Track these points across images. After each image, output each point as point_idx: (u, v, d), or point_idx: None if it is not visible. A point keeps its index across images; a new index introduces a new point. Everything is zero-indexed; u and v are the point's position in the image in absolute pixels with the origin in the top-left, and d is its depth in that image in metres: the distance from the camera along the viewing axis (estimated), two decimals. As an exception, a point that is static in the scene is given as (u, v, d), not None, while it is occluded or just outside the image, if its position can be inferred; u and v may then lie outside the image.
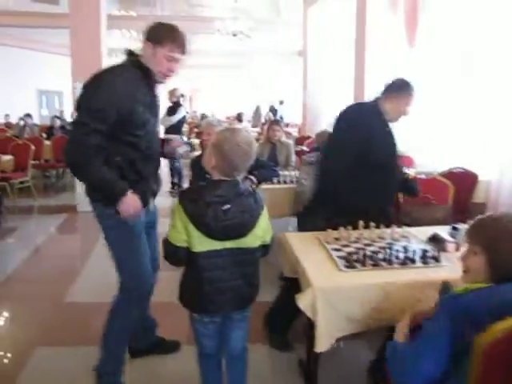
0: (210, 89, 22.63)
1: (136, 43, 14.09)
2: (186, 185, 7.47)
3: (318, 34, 9.17)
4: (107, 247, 2.28)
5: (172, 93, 7.27)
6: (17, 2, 10.39)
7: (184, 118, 7.69)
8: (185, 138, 7.53)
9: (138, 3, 10.78)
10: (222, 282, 1.89)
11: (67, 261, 4.51)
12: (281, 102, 15.86)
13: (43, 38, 14.30)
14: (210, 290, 1.88)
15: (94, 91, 2.05)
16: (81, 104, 2.07)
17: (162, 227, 2.36)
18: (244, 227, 1.85)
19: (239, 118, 11.04)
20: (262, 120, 12.56)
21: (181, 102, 7.42)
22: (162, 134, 7.32)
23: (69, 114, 13.46)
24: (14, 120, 13.09)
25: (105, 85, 2.05)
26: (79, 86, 5.85)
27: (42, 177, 8.62)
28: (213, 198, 1.81)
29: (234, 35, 9.17)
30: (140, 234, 2.28)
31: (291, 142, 5.74)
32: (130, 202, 2.10)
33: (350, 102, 7.74)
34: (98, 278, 3.99)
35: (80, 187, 6.16)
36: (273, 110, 13.86)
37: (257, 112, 13.51)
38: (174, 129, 7.27)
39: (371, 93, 6.64)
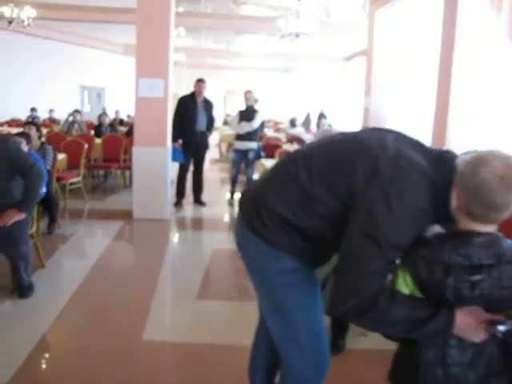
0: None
1: (182, 40, 13.84)
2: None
3: (386, 36, 8.57)
4: (266, 307, 1.79)
5: (247, 95, 6.69)
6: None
7: (263, 123, 7.13)
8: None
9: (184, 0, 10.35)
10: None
11: (135, 282, 3.97)
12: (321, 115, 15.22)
13: (86, 32, 14.02)
14: None
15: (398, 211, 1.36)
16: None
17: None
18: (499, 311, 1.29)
19: (293, 123, 10.48)
20: (313, 127, 11.97)
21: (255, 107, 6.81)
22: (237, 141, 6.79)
23: (112, 110, 13.14)
24: (57, 116, 12.79)
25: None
26: (143, 84, 5.46)
27: (91, 177, 8.17)
28: (456, 258, 1.22)
29: (297, 36, 8.59)
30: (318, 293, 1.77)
31: None
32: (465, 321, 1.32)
33: (429, 110, 7.27)
34: (173, 304, 3.46)
35: (137, 191, 5.68)
36: (323, 116, 13.21)
37: (307, 118, 12.92)
38: (252, 136, 6.71)
39: (457, 103, 6.20)
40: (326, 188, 1.53)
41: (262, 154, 6.82)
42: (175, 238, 5.43)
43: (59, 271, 4.15)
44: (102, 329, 3.08)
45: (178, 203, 6.59)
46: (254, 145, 6.69)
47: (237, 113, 6.75)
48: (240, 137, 6.67)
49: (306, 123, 12.18)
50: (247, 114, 6.60)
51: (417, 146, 1.50)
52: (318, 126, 12.38)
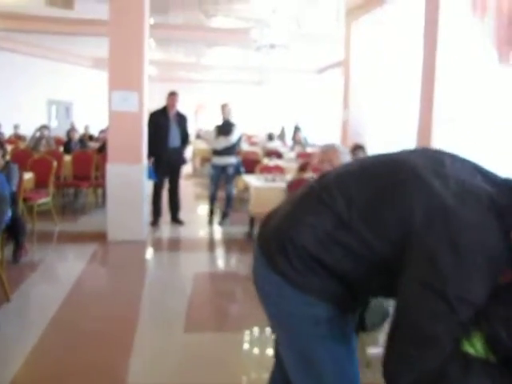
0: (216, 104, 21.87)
1: (152, 53, 13.55)
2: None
3: (364, 47, 8.50)
4: (290, 359, 1.49)
5: (224, 109, 6.43)
6: (30, 3, 9.63)
7: (241, 137, 6.86)
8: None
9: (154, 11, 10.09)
10: None
11: (114, 313, 3.62)
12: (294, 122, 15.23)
13: (53, 45, 13.55)
14: None
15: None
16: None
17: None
18: None
19: (270, 137, 10.31)
20: (288, 140, 11.85)
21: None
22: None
23: (80, 125, 12.67)
24: (23, 132, 12.24)
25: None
26: (116, 97, 5.15)
27: (61, 196, 7.72)
28: None
29: (272, 47, 8.41)
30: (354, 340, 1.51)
31: None
32: None
33: (412, 119, 7.17)
34: (158, 340, 3.14)
35: (111, 211, 5.32)
36: (298, 129, 13.12)
37: (282, 131, 12.78)
38: (231, 150, 6.44)
39: (441, 114, 6.12)
40: (369, 224, 1.27)
41: (242, 169, 6.55)
42: (154, 261, 5.09)
43: (28, 304, 3.75)
44: (79, 370, 2.74)
45: (155, 223, 6.26)
46: (232, 160, 6.43)
47: (214, 128, 6.47)
48: (218, 152, 6.39)
49: (281, 136, 12.02)
50: (224, 129, 6.34)
51: (479, 171, 1.25)
52: (294, 139, 12.29)
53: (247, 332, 3.34)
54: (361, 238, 1.27)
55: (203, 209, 7.64)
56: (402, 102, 7.54)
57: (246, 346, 3.17)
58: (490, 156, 5.47)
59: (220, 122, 6.47)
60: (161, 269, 4.74)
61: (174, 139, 6.20)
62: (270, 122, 15.67)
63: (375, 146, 8.45)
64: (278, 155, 8.90)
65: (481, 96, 5.58)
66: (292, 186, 5.22)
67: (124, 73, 5.20)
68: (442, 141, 6.12)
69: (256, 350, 3.10)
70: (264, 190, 5.41)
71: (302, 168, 7.26)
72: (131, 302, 3.81)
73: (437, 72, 6.03)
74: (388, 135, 7.98)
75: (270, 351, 2.99)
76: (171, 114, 6.20)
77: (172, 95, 6.21)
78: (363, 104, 8.72)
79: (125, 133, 5.30)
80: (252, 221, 5.84)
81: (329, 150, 2.90)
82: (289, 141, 13.08)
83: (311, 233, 1.35)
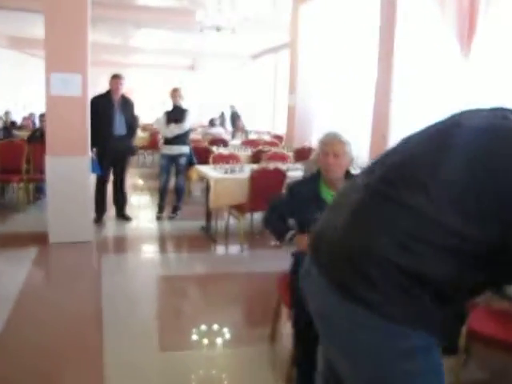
0: (147, 89, 20.96)
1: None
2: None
3: (311, 31, 8.26)
4: None
5: (174, 93, 5.88)
6: None
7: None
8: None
9: None
10: None
11: (73, 332, 3.10)
12: (230, 107, 14.84)
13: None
14: None
15: None
16: None
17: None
18: None
19: (212, 123, 9.85)
20: (228, 126, 11.43)
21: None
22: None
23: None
24: None
25: None
26: (56, 79, 4.49)
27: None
28: None
29: (218, 30, 7.92)
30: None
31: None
32: None
33: (364, 108, 7.05)
34: (132, 364, 2.68)
35: (53, 209, 4.68)
36: (237, 115, 12.73)
37: (222, 118, 12.33)
38: (183, 139, 5.91)
39: (398, 102, 6.01)
40: (462, 209, 1.07)
41: (194, 159, 6.08)
42: (107, 264, 4.49)
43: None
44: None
45: (99, 220, 5.65)
46: (185, 149, 5.93)
47: (163, 114, 5.92)
48: (169, 141, 5.86)
49: (221, 123, 11.57)
50: (176, 115, 5.82)
51: None
52: (234, 124, 11.90)
53: (233, 347, 2.98)
54: (451, 227, 1.07)
55: (150, 202, 7.08)
56: (354, 88, 7.37)
57: (236, 362, 2.80)
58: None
59: (170, 108, 5.94)
60: (117, 274, 4.20)
61: (120, 127, 5.59)
62: (204, 109, 15.11)
63: (327, 130, 8.29)
64: (224, 143, 8.47)
65: (440, 85, 5.52)
66: (256, 176, 4.86)
67: (65, 52, 4.53)
68: (399, 128, 6.05)
69: (246, 368, 2.74)
70: (225, 181, 5.01)
71: (256, 156, 6.94)
72: (90, 318, 3.30)
73: (394, 60, 5.91)
74: (340, 121, 7.81)
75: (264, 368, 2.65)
76: (115, 98, 5.58)
77: (115, 78, 5.59)
78: (310, 89, 8.53)
79: (66, 120, 4.64)
80: (209, 215, 5.43)
81: (333, 141, 2.56)
82: (229, 127, 12.64)
83: (390, 240, 1.11)
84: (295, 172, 5.46)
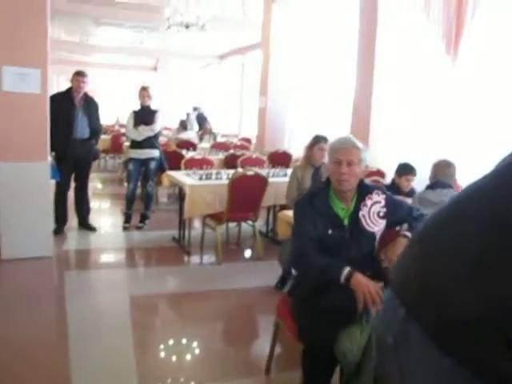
0: (108, 90, 20.22)
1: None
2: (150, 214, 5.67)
3: (284, 32, 7.97)
4: None
5: (143, 93, 5.40)
6: None
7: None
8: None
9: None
10: None
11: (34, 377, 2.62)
12: (195, 109, 14.39)
13: None
14: None
15: None
16: None
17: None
18: None
19: (184, 125, 9.37)
20: (195, 127, 10.95)
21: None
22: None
23: None
24: None
25: None
26: (10, 73, 3.96)
27: None
28: None
29: (187, 27, 7.49)
30: None
31: None
32: None
33: (343, 112, 6.79)
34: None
35: (5, 221, 4.15)
36: (204, 118, 12.27)
37: (188, 119, 11.81)
38: (153, 142, 5.45)
39: (379, 108, 5.76)
40: None
41: (166, 164, 5.63)
42: (70, 284, 3.97)
43: None
44: None
45: (60, 231, 5.11)
46: (155, 153, 5.48)
47: (130, 114, 5.45)
48: (137, 144, 5.39)
49: (184, 126, 11.06)
50: (145, 116, 5.36)
51: None
52: (201, 127, 11.44)
53: (220, 381, 2.59)
54: None
55: (115, 210, 6.56)
56: (331, 91, 7.11)
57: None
58: (430, 149, 5.25)
59: (138, 108, 5.47)
60: (83, 295, 3.70)
61: (82, 129, 5.08)
62: (170, 111, 14.58)
63: (300, 134, 8.00)
64: (193, 146, 8.03)
65: (424, 90, 5.32)
66: (235, 183, 4.48)
67: (21, 42, 4.00)
68: (380, 135, 5.82)
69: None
70: (200, 188, 4.61)
71: (229, 161, 6.55)
72: (54, 345, 2.83)
73: (375, 65, 5.68)
74: (315, 126, 7.53)
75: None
76: (77, 98, 5.07)
77: (78, 75, 5.07)
78: (283, 91, 8.23)
79: (23, 121, 4.12)
80: (182, 224, 5.00)
81: (346, 147, 2.21)
82: (196, 129, 12.15)
83: None
84: (276, 178, 5.12)
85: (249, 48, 12.59)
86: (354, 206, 2.29)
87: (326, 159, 4.05)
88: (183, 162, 5.62)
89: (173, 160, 5.96)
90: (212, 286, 4.01)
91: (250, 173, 4.62)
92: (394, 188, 3.98)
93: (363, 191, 2.29)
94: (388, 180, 4.82)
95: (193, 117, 11.72)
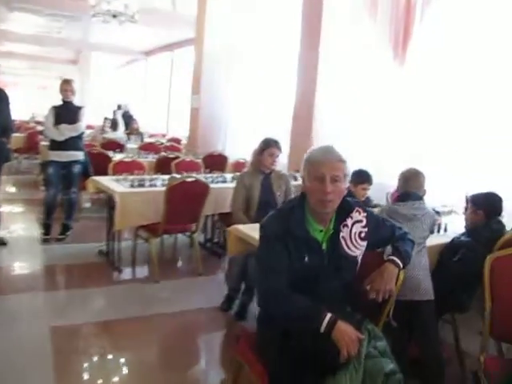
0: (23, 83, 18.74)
1: None
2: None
3: (218, 29, 7.55)
4: None
5: (65, 87, 4.72)
6: None
7: None
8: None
9: None
10: None
11: None
12: (119, 107, 13.60)
13: None
14: None
15: None
16: None
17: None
18: None
19: (114, 125, 8.62)
20: (121, 126, 10.18)
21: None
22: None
23: None
24: None
25: None
26: None
27: None
28: None
29: (114, 16, 6.82)
30: None
31: (287, 173, 4.05)
32: None
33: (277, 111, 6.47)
34: None
35: None
36: (130, 117, 11.51)
37: (114, 117, 11.00)
38: (77, 143, 4.81)
39: (322, 109, 5.52)
40: None
41: (91, 169, 5.00)
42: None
43: None
44: None
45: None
46: (79, 155, 4.84)
47: (49, 111, 4.76)
48: (58, 145, 4.72)
49: (114, 125, 10.28)
50: (68, 113, 4.71)
51: None
52: (127, 127, 10.69)
53: None
54: None
55: (29, 220, 5.78)
56: (271, 93, 6.79)
57: None
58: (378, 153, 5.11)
59: (59, 104, 4.79)
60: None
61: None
62: (90, 108, 13.61)
63: (238, 136, 7.61)
64: (120, 147, 7.36)
65: (372, 90, 5.15)
66: (173, 191, 4.00)
67: None
68: (323, 136, 5.60)
69: None
70: (133, 197, 4.07)
71: (162, 164, 6.00)
72: None
73: (319, 64, 5.44)
74: (256, 125, 7.20)
75: None
76: (-16, 90, 4.33)
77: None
78: (218, 90, 7.80)
79: None
80: (110, 236, 4.43)
81: (331, 161, 1.83)
82: (122, 129, 11.35)
83: None
84: (216, 184, 4.69)
85: (178, 44, 12.02)
86: (333, 226, 1.93)
87: (277, 166, 3.71)
88: (111, 165, 5.00)
89: (99, 163, 5.33)
90: (148, 310, 3.49)
91: (189, 179, 4.15)
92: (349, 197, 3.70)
93: (344, 209, 1.93)
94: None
95: (119, 115, 10.94)
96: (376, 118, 5.14)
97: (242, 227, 3.04)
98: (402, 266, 2.00)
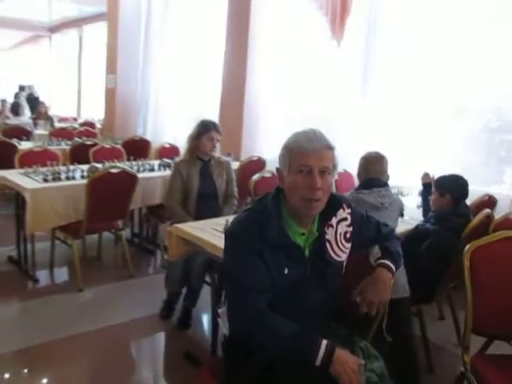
0: None
1: None
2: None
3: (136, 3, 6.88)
4: None
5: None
6: None
7: None
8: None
9: None
10: None
11: None
12: (22, 88, 12.40)
13: None
14: None
15: None
16: None
17: None
18: None
19: (15, 108, 7.58)
20: (26, 111, 9.13)
21: None
22: None
23: None
24: None
25: None
26: None
27: None
28: None
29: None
30: None
31: (229, 159, 3.62)
32: None
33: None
34: None
35: None
36: (34, 98, 10.42)
37: (16, 100, 9.85)
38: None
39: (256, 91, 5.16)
40: None
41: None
42: None
43: None
44: None
45: None
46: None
47: None
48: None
49: (15, 109, 9.19)
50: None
51: None
52: (33, 111, 9.63)
53: None
54: None
55: None
56: (199, 72, 6.28)
57: None
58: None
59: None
60: None
61: None
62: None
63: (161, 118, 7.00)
64: (26, 134, 6.50)
65: (309, 69, 4.87)
66: (96, 184, 3.44)
67: None
68: (257, 119, 5.27)
69: None
70: (47, 193, 3.47)
71: (77, 153, 5.31)
72: None
73: (249, 46, 5.06)
74: (183, 106, 6.66)
75: None
76: None
77: None
78: (136, 68, 7.15)
79: None
80: (24, 238, 3.76)
81: (319, 149, 1.44)
82: (28, 113, 10.22)
83: None
84: (143, 174, 4.19)
85: (88, 19, 11.02)
86: (317, 228, 1.56)
87: (218, 152, 3.29)
88: (18, 156, 4.27)
89: (1, 154, 4.57)
90: (73, 328, 2.91)
91: (114, 169, 3.60)
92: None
93: (332, 207, 1.57)
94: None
95: (22, 98, 9.83)
96: (313, 99, 4.88)
97: (184, 226, 2.60)
98: (394, 270, 1.69)
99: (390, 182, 2.62)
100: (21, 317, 3.13)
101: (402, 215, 2.72)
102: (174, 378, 2.60)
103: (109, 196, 3.53)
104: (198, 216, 3.04)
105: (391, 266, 1.68)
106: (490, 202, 3.45)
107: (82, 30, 11.75)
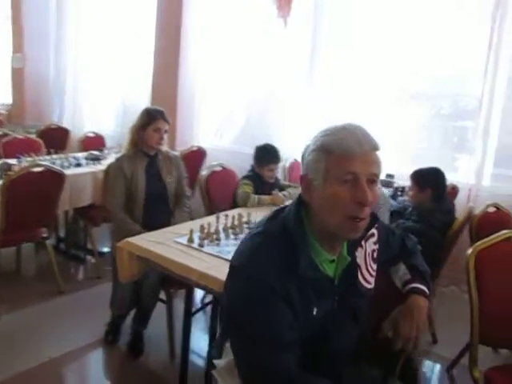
0: None
1: None
2: None
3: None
4: None
5: None
6: None
7: None
8: None
9: None
10: None
11: None
12: None
13: None
14: None
15: None
16: None
17: None
18: None
19: None
20: None
21: None
22: None
23: None
24: None
25: None
26: None
27: None
28: None
29: None
30: None
31: (178, 153, 3.13)
32: None
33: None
34: None
35: None
36: None
37: None
38: None
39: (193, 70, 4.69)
40: None
41: None
42: None
43: None
44: None
45: None
46: None
47: None
48: None
49: None
50: None
51: None
52: None
53: None
54: None
55: None
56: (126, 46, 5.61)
57: None
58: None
59: None
60: None
61: None
62: None
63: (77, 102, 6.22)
64: None
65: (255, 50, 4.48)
66: (13, 188, 2.83)
67: None
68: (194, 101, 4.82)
69: None
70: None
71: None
72: None
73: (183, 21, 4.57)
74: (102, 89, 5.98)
75: None
76: None
77: None
78: (49, 46, 6.33)
79: None
80: None
81: (368, 150, 1.06)
82: None
83: None
84: (69, 170, 3.58)
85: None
86: (346, 251, 1.20)
87: (165, 145, 2.80)
88: None
89: None
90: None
91: (36, 168, 2.99)
92: (256, 178, 3.01)
93: (370, 224, 1.20)
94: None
95: None
96: (257, 82, 4.51)
97: (137, 240, 2.12)
98: (428, 293, 1.38)
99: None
100: None
101: (391, 215, 2.46)
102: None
103: (30, 200, 2.92)
104: (146, 223, 2.56)
105: (425, 290, 1.37)
106: (454, 192, 3.31)
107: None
